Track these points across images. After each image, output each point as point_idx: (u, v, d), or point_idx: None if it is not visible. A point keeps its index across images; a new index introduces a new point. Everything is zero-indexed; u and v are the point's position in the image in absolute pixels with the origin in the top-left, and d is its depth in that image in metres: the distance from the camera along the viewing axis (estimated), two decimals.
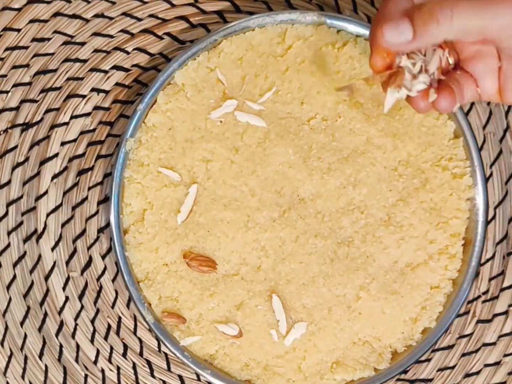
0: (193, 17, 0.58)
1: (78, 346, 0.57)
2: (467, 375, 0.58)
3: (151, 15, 0.58)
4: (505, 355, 0.58)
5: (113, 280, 0.57)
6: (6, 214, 0.57)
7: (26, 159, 0.57)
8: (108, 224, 0.57)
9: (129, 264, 0.54)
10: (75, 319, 0.57)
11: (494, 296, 0.58)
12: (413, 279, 0.54)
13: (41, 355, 0.57)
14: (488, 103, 0.59)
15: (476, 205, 0.55)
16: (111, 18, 0.58)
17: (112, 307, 0.57)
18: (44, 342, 0.57)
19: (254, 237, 0.54)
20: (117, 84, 0.58)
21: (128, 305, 0.57)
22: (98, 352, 0.57)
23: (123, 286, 0.56)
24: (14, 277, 0.57)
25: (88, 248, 0.57)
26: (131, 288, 0.53)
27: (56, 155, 0.57)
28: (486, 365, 0.58)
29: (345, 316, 0.54)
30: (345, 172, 0.54)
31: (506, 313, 0.58)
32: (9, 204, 0.57)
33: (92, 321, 0.57)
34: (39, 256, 0.57)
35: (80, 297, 0.57)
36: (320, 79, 0.54)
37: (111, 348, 0.57)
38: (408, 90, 0.45)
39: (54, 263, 0.57)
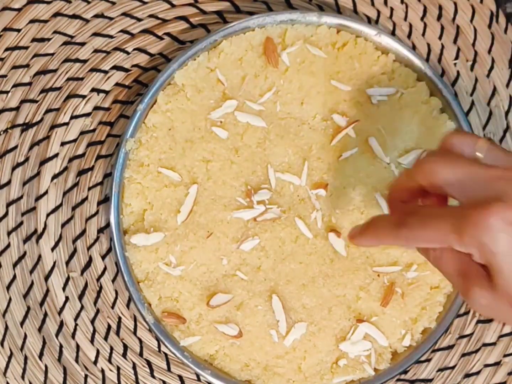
0: (193, 17, 0.58)
1: (78, 346, 0.57)
2: (467, 375, 0.58)
3: (151, 15, 0.58)
4: (505, 355, 0.58)
5: (113, 281, 0.57)
6: (6, 214, 0.57)
7: (26, 159, 0.57)
8: (108, 224, 0.57)
9: (129, 264, 0.54)
10: (75, 319, 0.57)
11: None
12: (413, 279, 0.54)
13: (41, 355, 0.57)
14: (488, 103, 0.59)
15: None
16: (111, 18, 0.58)
17: (112, 307, 0.57)
18: (44, 342, 0.57)
19: (254, 237, 0.54)
20: (117, 84, 0.58)
21: (128, 305, 0.57)
22: (98, 352, 0.57)
23: (123, 286, 0.56)
24: (14, 277, 0.57)
25: (88, 248, 0.57)
26: (131, 288, 0.53)
27: (56, 155, 0.57)
28: (486, 365, 0.58)
29: (345, 316, 0.54)
30: (345, 172, 0.54)
31: None
32: (9, 204, 0.57)
33: (92, 321, 0.57)
34: (39, 256, 0.57)
35: (80, 297, 0.57)
36: (320, 79, 0.54)
37: (111, 348, 0.57)
38: None
39: (54, 263, 0.57)
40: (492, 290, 0.41)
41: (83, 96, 0.57)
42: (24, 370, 0.57)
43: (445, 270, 0.43)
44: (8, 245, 0.57)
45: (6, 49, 0.57)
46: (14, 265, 0.57)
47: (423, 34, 0.59)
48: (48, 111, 0.57)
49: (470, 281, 0.42)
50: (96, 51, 0.58)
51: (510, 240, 0.39)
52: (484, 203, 0.39)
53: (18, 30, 0.57)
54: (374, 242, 0.46)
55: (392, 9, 0.59)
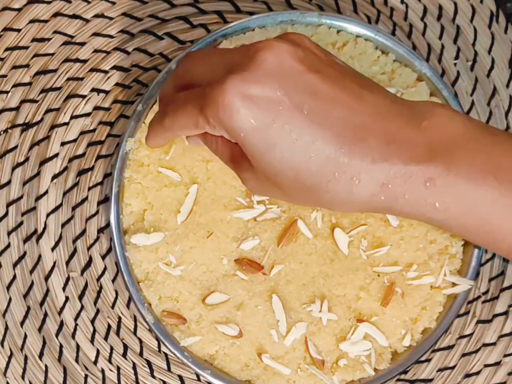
0: (193, 17, 0.58)
1: (78, 346, 0.57)
2: (467, 375, 0.58)
3: (151, 15, 0.58)
4: (505, 355, 0.58)
5: (113, 280, 0.57)
6: (6, 214, 0.57)
7: (26, 159, 0.57)
8: (108, 224, 0.57)
9: (129, 264, 0.54)
10: (75, 319, 0.57)
11: (494, 296, 0.58)
12: (413, 279, 0.54)
13: (41, 355, 0.57)
14: (488, 103, 0.59)
15: None
16: (111, 18, 0.58)
17: (112, 307, 0.57)
18: (44, 342, 0.57)
19: (254, 237, 0.54)
20: (117, 84, 0.58)
21: (128, 305, 0.57)
22: (98, 352, 0.57)
23: (123, 286, 0.56)
24: (14, 277, 0.57)
25: (88, 248, 0.57)
26: (131, 288, 0.53)
27: (56, 155, 0.57)
28: (486, 365, 0.58)
29: (345, 316, 0.54)
30: None
31: (506, 313, 0.58)
32: (9, 204, 0.57)
33: (92, 321, 0.57)
34: (39, 256, 0.57)
35: (80, 297, 0.57)
36: None
37: (111, 348, 0.57)
38: None
39: (54, 263, 0.57)
40: (254, 172, 0.40)
41: (83, 96, 0.57)
42: (24, 370, 0.57)
43: (221, 158, 0.44)
44: (8, 245, 0.57)
45: (6, 49, 0.57)
46: (14, 265, 0.57)
47: (423, 34, 0.59)
48: (48, 111, 0.57)
49: (238, 166, 0.42)
50: (96, 51, 0.58)
51: (251, 115, 0.36)
52: (219, 79, 0.37)
53: (18, 30, 0.57)
54: (155, 139, 0.46)
55: (392, 9, 0.59)
